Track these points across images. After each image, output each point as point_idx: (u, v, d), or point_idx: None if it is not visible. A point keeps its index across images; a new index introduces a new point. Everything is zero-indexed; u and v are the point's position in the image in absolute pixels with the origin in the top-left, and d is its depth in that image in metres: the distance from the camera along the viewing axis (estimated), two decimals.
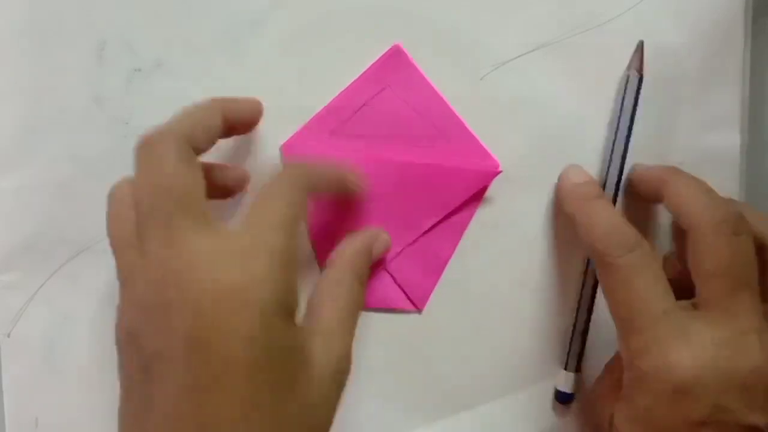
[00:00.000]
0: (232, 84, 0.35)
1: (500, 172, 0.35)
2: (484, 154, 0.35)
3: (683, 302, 0.30)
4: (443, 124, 0.35)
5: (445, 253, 0.36)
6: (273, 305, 0.24)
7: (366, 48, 0.35)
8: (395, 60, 0.34)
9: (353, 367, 0.29)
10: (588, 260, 0.36)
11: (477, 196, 0.35)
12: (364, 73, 0.34)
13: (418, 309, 0.36)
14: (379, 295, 0.35)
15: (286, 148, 0.34)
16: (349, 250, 0.31)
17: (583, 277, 0.36)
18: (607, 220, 0.32)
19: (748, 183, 0.38)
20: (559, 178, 0.36)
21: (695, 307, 0.30)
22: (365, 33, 0.35)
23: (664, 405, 0.28)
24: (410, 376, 0.36)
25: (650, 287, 0.29)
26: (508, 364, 0.37)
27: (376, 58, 0.35)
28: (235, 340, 0.23)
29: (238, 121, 0.31)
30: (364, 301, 0.31)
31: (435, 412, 0.37)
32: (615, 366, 0.34)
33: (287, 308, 0.25)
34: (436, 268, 0.36)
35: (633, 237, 0.31)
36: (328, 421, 0.27)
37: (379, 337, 0.36)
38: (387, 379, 0.36)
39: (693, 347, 0.28)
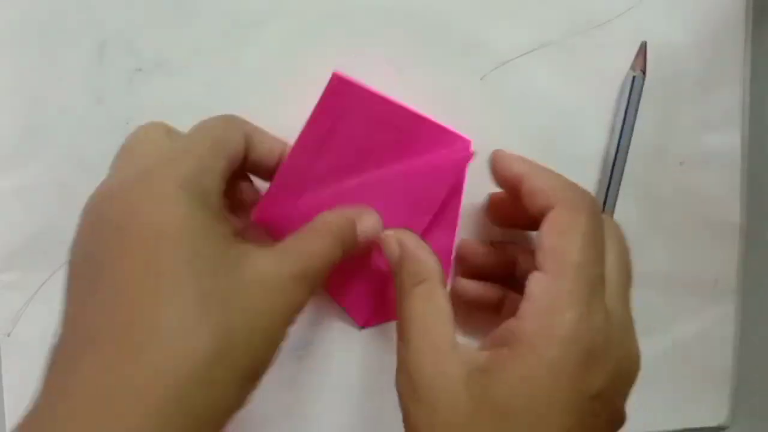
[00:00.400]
0: (232, 84, 0.35)
1: (472, 153, 0.33)
2: (454, 138, 0.34)
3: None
4: (406, 125, 0.33)
5: (446, 253, 0.35)
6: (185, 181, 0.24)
7: (366, 48, 0.35)
8: (336, 89, 0.31)
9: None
10: None
11: (458, 185, 0.34)
12: (311, 116, 0.32)
13: None
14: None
15: (258, 215, 0.32)
16: (329, 216, 0.29)
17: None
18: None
19: (749, 183, 0.38)
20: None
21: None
22: (365, 33, 0.35)
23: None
24: None
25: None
26: None
27: (376, 58, 0.35)
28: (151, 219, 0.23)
29: (258, 156, 0.30)
30: (337, 262, 0.28)
31: None
32: None
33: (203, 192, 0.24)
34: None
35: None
36: (266, 342, 0.24)
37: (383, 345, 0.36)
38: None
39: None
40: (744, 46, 0.37)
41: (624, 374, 0.26)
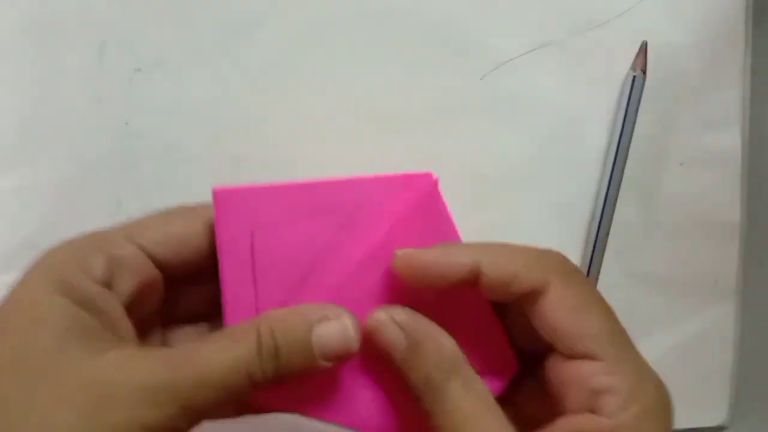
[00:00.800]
0: (232, 84, 0.35)
1: (437, 180, 0.27)
2: (408, 180, 0.27)
3: None
4: (344, 197, 0.26)
5: None
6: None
7: (366, 48, 0.35)
8: (226, 203, 0.25)
9: None
10: (591, 260, 0.36)
11: (445, 222, 0.27)
12: (219, 250, 0.25)
13: None
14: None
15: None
16: (266, 315, 0.23)
17: (587, 272, 0.36)
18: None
19: (749, 183, 0.38)
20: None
21: None
22: (365, 33, 0.35)
23: None
24: None
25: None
26: None
27: (376, 57, 0.35)
28: None
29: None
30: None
31: None
32: None
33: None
34: None
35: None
36: None
37: None
38: None
39: None
40: (744, 46, 0.37)
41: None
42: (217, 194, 0.24)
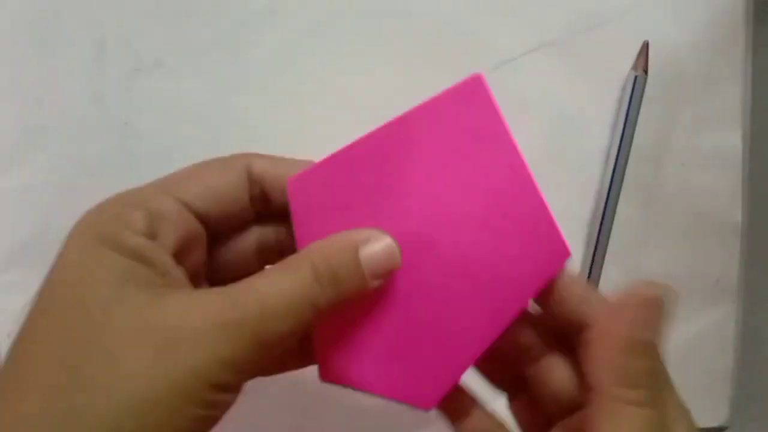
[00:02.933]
0: (231, 84, 0.35)
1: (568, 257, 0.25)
2: (552, 238, 0.25)
3: None
4: (513, 197, 0.25)
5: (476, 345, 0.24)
6: None
7: (366, 48, 0.35)
8: (467, 92, 0.25)
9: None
10: (592, 260, 0.36)
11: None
12: (422, 106, 0.25)
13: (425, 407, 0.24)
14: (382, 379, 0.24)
15: (294, 184, 0.24)
16: (315, 244, 0.23)
17: (588, 273, 0.36)
18: None
19: (750, 182, 0.38)
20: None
21: None
22: (366, 33, 0.35)
23: None
24: None
25: None
26: None
27: (376, 57, 0.35)
28: None
29: (271, 187, 0.25)
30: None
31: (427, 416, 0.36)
32: None
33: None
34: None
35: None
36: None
37: None
38: None
39: None
40: (744, 46, 0.37)
41: None
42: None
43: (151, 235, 0.22)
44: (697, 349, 0.39)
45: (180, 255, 0.23)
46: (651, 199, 0.38)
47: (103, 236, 0.21)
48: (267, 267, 0.24)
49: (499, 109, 0.25)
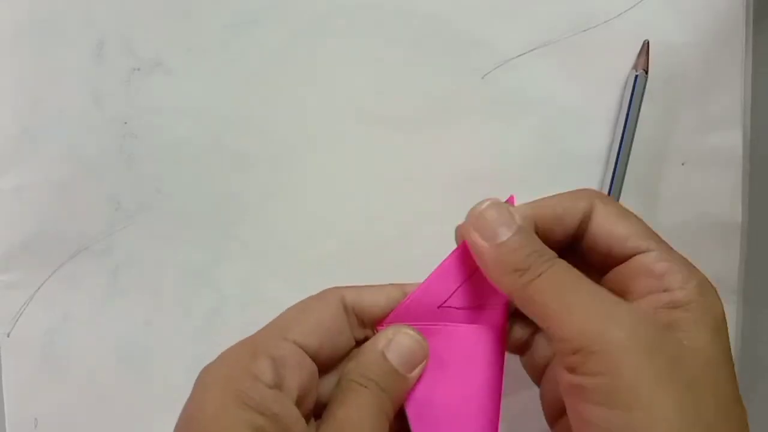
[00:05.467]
0: (231, 84, 0.35)
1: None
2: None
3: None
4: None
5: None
6: None
7: (367, 48, 0.35)
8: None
9: None
10: None
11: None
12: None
13: None
14: None
15: (392, 319, 0.27)
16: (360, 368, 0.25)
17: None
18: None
19: (750, 182, 0.38)
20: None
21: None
22: (365, 32, 0.35)
23: None
24: None
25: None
26: (508, 364, 0.37)
27: (376, 57, 0.35)
28: None
29: (372, 316, 0.27)
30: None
31: None
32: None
33: None
34: None
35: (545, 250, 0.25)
36: None
37: None
38: None
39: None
40: (744, 46, 0.37)
41: None
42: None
43: (278, 385, 0.23)
44: None
45: (300, 399, 0.24)
46: (651, 199, 0.37)
47: (235, 391, 0.23)
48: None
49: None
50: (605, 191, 0.36)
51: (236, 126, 0.35)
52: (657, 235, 0.26)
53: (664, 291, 0.24)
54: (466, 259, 0.27)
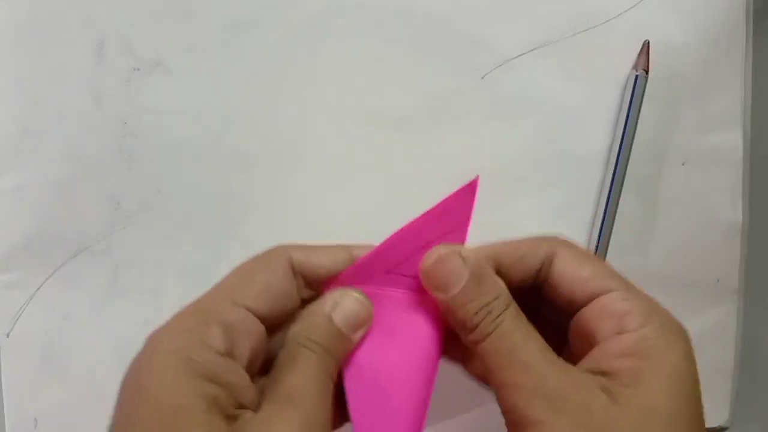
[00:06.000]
0: (231, 84, 0.35)
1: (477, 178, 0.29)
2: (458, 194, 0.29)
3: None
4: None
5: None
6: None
7: (367, 48, 0.35)
8: (464, 198, 0.28)
9: None
10: None
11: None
12: (433, 210, 0.28)
13: None
14: None
15: (340, 282, 0.27)
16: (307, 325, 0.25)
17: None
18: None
19: (751, 182, 0.38)
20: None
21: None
22: (366, 32, 0.35)
23: None
24: None
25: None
26: None
27: (376, 57, 0.35)
28: None
29: (318, 275, 0.27)
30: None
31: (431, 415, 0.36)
32: None
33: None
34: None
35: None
36: None
37: None
38: None
39: None
40: (744, 46, 0.37)
41: None
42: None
43: (230, 352, 0.23)
44: (697, 349, 0.39)
45: (250, 365, 0.24)
46: (652, 199, 0.37)
47: (187, 361, 0.22)
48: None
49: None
50: (605, 191, 0.36)
51: (236, 126, 0.35)
52: (620, 276, 0.26)
53: (622, 333, 0.24)
54: (422, 233, 0.27)
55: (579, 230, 0.37)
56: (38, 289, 0.35)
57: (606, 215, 0.36)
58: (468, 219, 0.28)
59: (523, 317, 0.25)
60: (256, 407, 0.23)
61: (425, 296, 0.27)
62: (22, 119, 0.34)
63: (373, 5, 0.35)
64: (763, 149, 0.38)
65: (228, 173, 0.35)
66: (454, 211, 0.28)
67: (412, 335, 0.27)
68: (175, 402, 0.21)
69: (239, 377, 0.23)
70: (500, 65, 0.36)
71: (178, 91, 0.34)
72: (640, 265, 0.38)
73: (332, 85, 0.35)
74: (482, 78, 0.36)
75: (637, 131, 0.35)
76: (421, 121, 0.36)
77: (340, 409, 0.25)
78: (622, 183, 0.35)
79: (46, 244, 0.35)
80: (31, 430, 0.35)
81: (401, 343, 0.27)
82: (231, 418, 0.22)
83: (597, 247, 0.36)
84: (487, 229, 0.36)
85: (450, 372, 0.36)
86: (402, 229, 0.27)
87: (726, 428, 0.40)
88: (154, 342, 0.23)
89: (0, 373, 0.35)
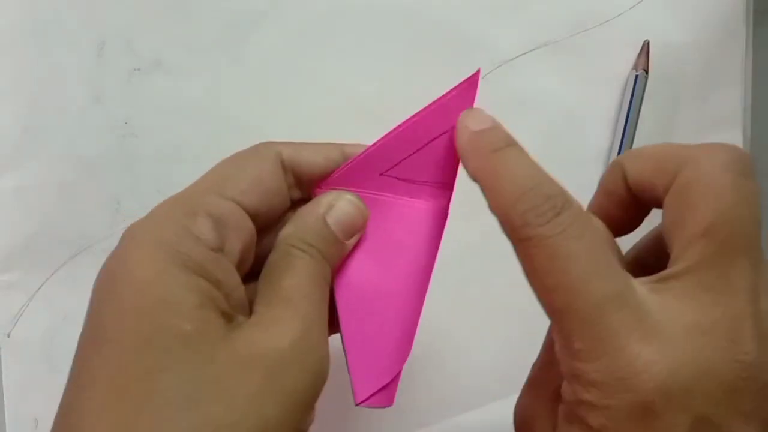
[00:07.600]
0: (231, 83, 0.35)
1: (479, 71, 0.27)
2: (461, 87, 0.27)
3: (643, 279, 0.21)
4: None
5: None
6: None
7: (367, 48, 0.35)
8: (465, 93, 0.27)
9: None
10: None
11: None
12: (431, 105, 0.26)
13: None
14: None
15: (331, 183, 0.25)
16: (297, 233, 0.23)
17: None
18: (520, 176, 0.23)
19: None
20: (457, 129, 0.25)
21: (664, 282, 0.21)
22: (366, 33, 0.35)
23: (624, 425, 0.19)
24: (407, 379, 0.36)
25: (591, 261, 0.20)
26: (507, 366, 0.37)
27: (377, 57, 0.35)
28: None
29: (311, 172, 0.25)
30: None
31: (429, 416, 0.36)
32: (547, 371, 0.25)
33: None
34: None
35: (559, 195, 0.22)
36: None
37: None
38: None
39: (661, 341, 0.19)
40: (744, 46, 0.37)
41: None
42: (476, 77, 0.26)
43: (219, 247, 0.21)
44: None
45: (240, 263, 0.22)
46: None
47: (175, 253, 0.20)
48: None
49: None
50: None
51: (236, 126, 0.35)
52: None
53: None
54: (420, 132, 0.25)
55: None
56: (39, 289, 0.35)
57: None
58: None
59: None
60: (246, 313, 0.21)
61: (421, 203, 0.25)
62: (23, 119, 0.34)
63: (373, 5, 0.35)
64: (763, 149, 0.38)
65: None
66: (455, 108, 0.26)
67: (406, 244, 0.25)
68: (161, 295, 0.19)
69: (230, 275, 0.21)
70: (500, 65, 0.36)
71: (179, 91, 0.34)
72: None
73: (332, 84, 0.35)
74: (482, 78, 0.36)
75: (637, 131, 0.35)
76: None
77: (330, 317, 0.24)
78: None
79: (46, 244, 0.35)
80: (31, 430, 0.35)
81: (394, 252, 0.25)
82: (227, 317, 0.20)
83: None
84: (488, 228, 0.36)
85: (448, 372, 0.37)
86: (398, 128, 0.25)
87: None
88: (133, 234, 0.21)
89: (0, 373, 0.35)
